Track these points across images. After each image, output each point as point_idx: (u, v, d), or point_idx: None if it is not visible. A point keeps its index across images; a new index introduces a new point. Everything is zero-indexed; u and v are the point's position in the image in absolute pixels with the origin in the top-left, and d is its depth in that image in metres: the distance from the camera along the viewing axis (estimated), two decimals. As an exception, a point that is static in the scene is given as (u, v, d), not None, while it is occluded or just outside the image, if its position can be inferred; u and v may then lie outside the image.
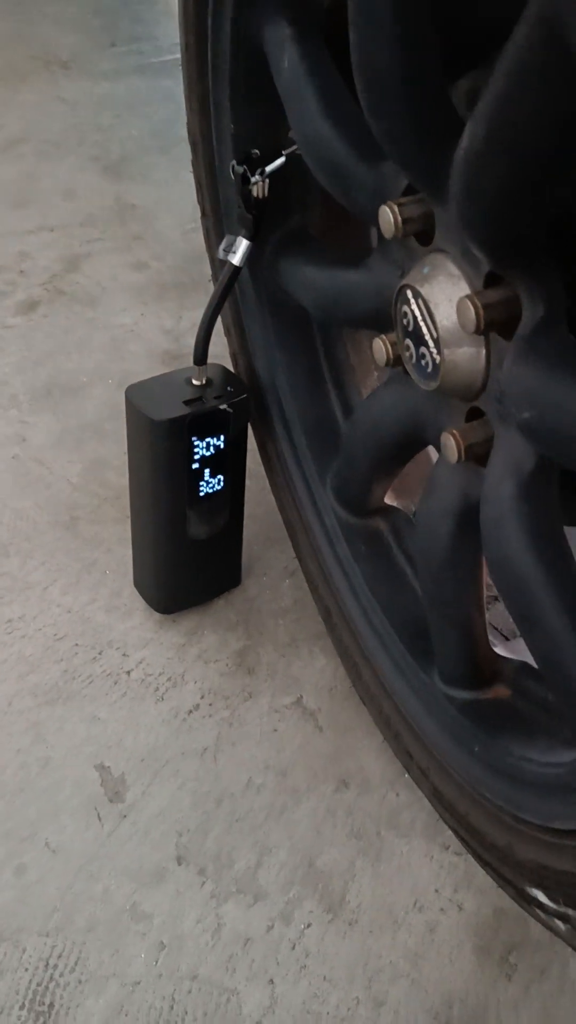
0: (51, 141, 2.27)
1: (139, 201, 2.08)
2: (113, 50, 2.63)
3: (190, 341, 1.70)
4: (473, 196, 0.68)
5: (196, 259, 1.89)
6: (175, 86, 2.48)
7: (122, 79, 2.52)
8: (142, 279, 1.87)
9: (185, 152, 1.18)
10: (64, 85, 2.49)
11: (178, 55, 1.11)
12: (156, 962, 0.98)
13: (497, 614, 0.97)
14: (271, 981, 0.97)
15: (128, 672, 1.22)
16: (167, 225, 2.01)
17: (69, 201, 2.08)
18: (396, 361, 0.89)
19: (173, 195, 2.10)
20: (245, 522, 1.25)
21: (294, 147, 0.99)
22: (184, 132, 1.15)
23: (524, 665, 0.92)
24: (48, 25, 2.76)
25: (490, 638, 0.94)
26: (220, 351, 1.20)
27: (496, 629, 0.98)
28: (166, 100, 2.43)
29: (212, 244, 1.20)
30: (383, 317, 0.90)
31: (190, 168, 1.18)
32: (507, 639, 1.00)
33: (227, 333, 1.24)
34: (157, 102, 2.45)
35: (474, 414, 0.82)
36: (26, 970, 0.98)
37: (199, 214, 1.20)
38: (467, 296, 0.73)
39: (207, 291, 1.78)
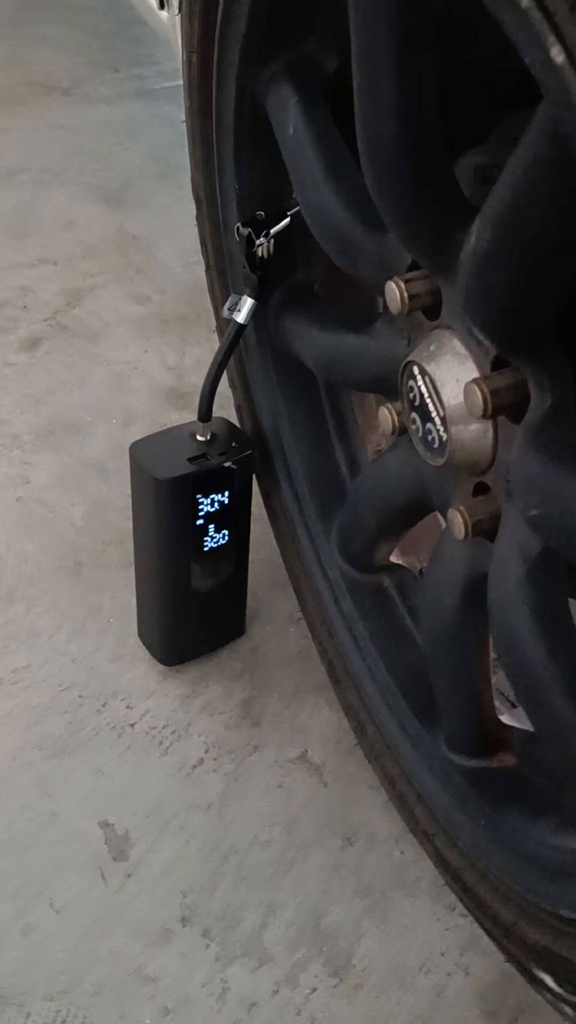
0: (51, 169, 2.27)
1: (140, 231, 2.08)
2: (114, 75, 2.63)
3: (193, 378, 1.72)
4: (480, 290, 0.68)
5: (198, 291, 1.88)
6: (176, 111, 2.48)
7: (123, 104, 2.52)
8: (144, 313, 1.87)
9: (186, 179, 1.18)
10: (64, 111, 2.48)
11: (178, 81, 1.11)
12: (162, 1028, 0.98)
13: (503, 680, 0.96)
14: (278, 1048, 0.97)
15: (132, 725, 1.22)
16: (169, 256, 2.01)
17: (70, 232, 2.08)
18: (402, 431, 0.89)
19: (174, 224, 2.10)
20: (250, 566, 1.25)
21: (298, 207, 0.99)
22: (185, 160, 1.15)
23: (531, 734, 0.92)
24: (47, 49, 2.75)
25: (496, 704, 0.94)
26: (225, 393, 1.19)
27: (503, 695, 0.98)
28: (167, 126, 2.42)
29: (216, 297, 1.20)
30: (387, 384, 0.90)
31: (191, 196, 1.17)
32: (514, 706, 1.00)
33: (232, 385, 1.24)
34: (157, 128, 2.44)
35: (481, 488, 0.82)
36: (32, 1036, 0.98)
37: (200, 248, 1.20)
38: (475, 380, 0.73)
39: (209, 325, 1.78)
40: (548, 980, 0.79)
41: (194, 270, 1.95)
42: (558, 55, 0.46)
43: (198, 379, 1.69)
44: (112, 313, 1.86)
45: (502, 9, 0.49)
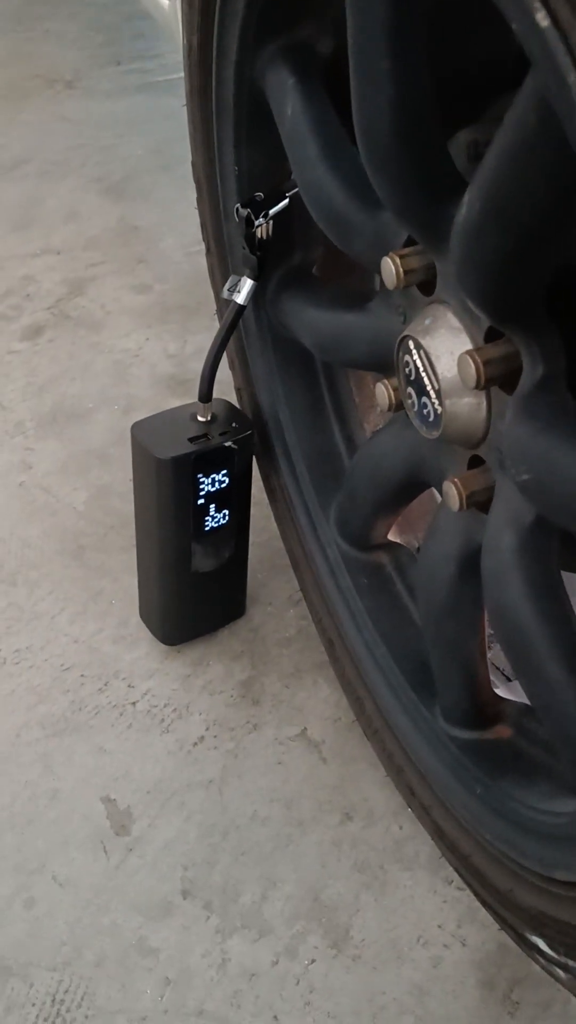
0: (54, 161, 2.29)
1: (142, 222, 2.10)
2: (116, 68, 2.65)
3: (194, 365, 1.73)
4: (472, 260, 0.69)
5: (199, 281, 1.89)
6: (177, 104, 2.49)
7: (125, 97, 2.53)
8: (146, 302, 1.88)
9: (187, 171, 1.19)
10: (67, 104, 2.50)
11: (181, 73, 1.12)
12: (162, 997, 0.99)
13: (499, 654, 0.98)
14: (276, 1017, 0.98)
15: (134, 703, 1.24)
16: (170, 246, 2.03)
17: (73, 222, 2.09)
18: (398, 406, 0.90)
19: (176, 215, 2.11)
20: (250, 548, 1.27)
21: (297, 188, 1.00)
22: (186, 152, 1.16)
23: (526, 707, 0.93)
24: (51, 43, 2.77)
25: (492, 678, 0.95)
26: (225, 378, 1.21)
27: (498, 669, 1.00)
28: (169, 118, 2.44)
29: (216, 281, 1.21)
30: (384, 361, 0.91)
31: (192, 187, 1.19)
32: (509, 680, 1.01)
33: (231, 367, 1.25)
34: (159, 120, 2.46)
35: (476, 461, 0.83)
36: (33, 1005, 0.99)
37: (201, 237, 1.21)
38: (468, 352, 0.74)
39: (210, 313, 1.79)
40: (541, 944, 0.80)
41: (195, 260, 1.97)
42: (543, 20, 0.48)
43: (199, 367, 1.70)
44: (114, 302, 1.88)
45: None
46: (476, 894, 0.95)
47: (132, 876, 1.09)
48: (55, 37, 2.81)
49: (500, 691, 0.96)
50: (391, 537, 1.11)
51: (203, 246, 1.23)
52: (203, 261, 1.26)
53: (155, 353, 1.76)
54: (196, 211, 1.21)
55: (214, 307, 1.28)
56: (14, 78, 2.60)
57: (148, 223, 2.09)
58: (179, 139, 2.34)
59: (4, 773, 1.17)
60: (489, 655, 0.95)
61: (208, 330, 1.80)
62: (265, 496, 1.27)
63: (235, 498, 1.17)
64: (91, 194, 2.18)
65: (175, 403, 1.63)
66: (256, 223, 1.04)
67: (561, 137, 0.53)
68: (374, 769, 1.17)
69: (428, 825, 1.03)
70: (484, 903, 0.94)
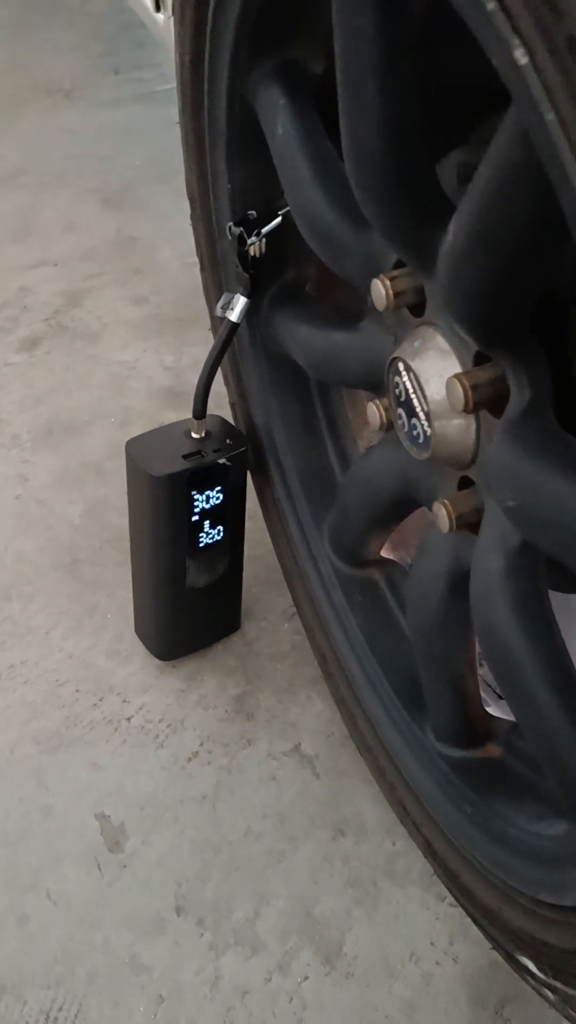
0: (52, 171, 2.29)
1: (139, 233, 2.10)
2: (115, 78, 2.65)
3: (190, 378, 1.73)
4: (458, 286, 0.70)
5: (196, 293, 1.89)
6: (174, 114, 2.50)
7: (123, 107, 2.54)
8: (143, 314, 1.88)
9: (184, 182, 1.19)
10: (65, 114, 2.51)
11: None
12: (155, 1015, 1.00)
13: (490, 672, 0.98)
14: (269, 1034, 0.98)
15: (128, 719, 1.24)
16: (167, 258, 2.03)
17: (70, 234, 2.10)
18: (389, 426, 0.90)
19: (173, 226, 2.11)
20: (245, 563, 1.27)
21: (288, 207, 1.01)
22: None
23: (516, 725, 0.93)
24: (48, 52, 2.78)
25: (483, 696, 0.95)
26: (219, 391, 1.21)
27: (489, 687, 1.00)
28: (167, 129, 2.44)
29: (210, 298, 1.21)
30: (376, 381, 0.91)
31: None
32: (500, 697, 1.01)
33: (226, 383, 1.25)
34: (157, 130, 2.46)
35: (465, 482, 0.84)
36: (27, 1023, 0.99)
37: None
38: (456, 375, 0.75)
39: (207, 326, 1.79)
40: (531, 965, 0.80)
41: (192, 272, 1.96)
42: (522, 57, 0.48)
43: (195, 380, 1.70)
44: (111, 314, 1.88)
45: (470, 12, 0.51)
46: (467, 912, 0.95)
47: (125, 892, 1.09)
48: (53, 46, 2.81)
49: (491, 709, 0.96)
50: (384, 553, 1.11)
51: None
52: (200, 274, 1.26)
53: (151, 365, 1.76)
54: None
55: (210, 320, 1.28)
56: (12, 87, 2.61)
57: (145, 234, 2.10)
58: (177, 150, 2.34)
59: (-2, 788, 1.17)
60: (480, 673, 0.95)
61: (204, 343, 1.79)
62: (259, 510, 1.27)
63: (229, 514, 1.17)
64: (89, 205, 2.19)
65: (171, 415, 1.65)
66: (249, 241, 1.05)
67: (543, 169, 0.53)
68: (367, 785, 1.17)
69: (419, 842, 1.03)
70: (475, 921, 0.94)
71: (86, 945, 1.05)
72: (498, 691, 1.01)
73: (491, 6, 0.48)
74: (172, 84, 2.63)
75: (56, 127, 2.46)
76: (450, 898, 1.06)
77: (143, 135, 2.44)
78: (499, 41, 0.49)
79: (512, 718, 0.94)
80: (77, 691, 1.27)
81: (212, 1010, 1.00)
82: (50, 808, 1.16)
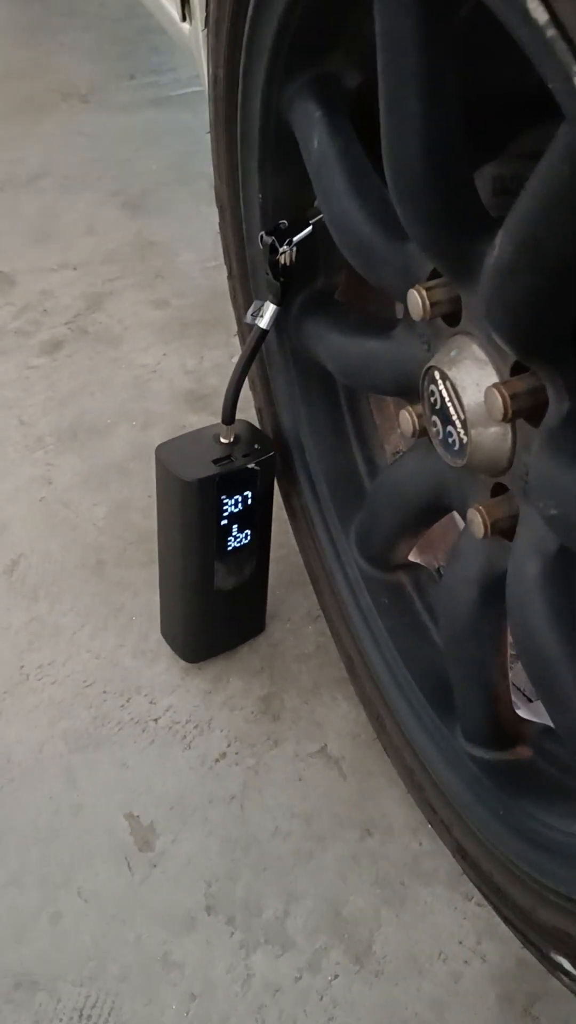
0: (71, 175, 2.31)
1: (159, 237, 2.11)
2: (131, 82, 2.67)
3: (212, 381, 1.75)
4: (502, 300, 0.71)
5: (217, 296, 1.92)
6: (193, 118, 2.52)
7: (140, 111, 2.55)
8: (164, 317, 1.90)
9: (204, 185, 1.21)
10: (83, 118, 2.52)
11: (196, 88, 1.14)
12: (188, 1012, 1.01)
13: (520, 675, 0.99)
14: (300, 1031, 1.00)
15: (156, 719, 1.26)
16: (187, 261, 2.05)
17: (90, 237, 2.11)
18: (422, 432, 0.92)
19: (193, 230, 2.13)
20: (270, 564, 1.28)
21: (320, 216, 1.02)
22: (202, 166, 1.18)
23: (547, 728, 0.95)
24: (66, 56, 2.80)
25: (513, 699, 0.97)
26: (243, 395, 1.22)
27: (519, 690, 1.01)
28: (185, 133, 2.45)
29: (239, 305, 1.23)
30: (408, 388, 0.93)
31: (209, 202, 1.20)
32: (530, 700, 1.03)
33: (252, 388, 1.27)
34: (175, 134, 2.47)
35: (499, 488, 0.85)
36: (61, 1020, 1.01)
37: (219, 250, 1.23)
38: (494, 385, 0.76)
39: (227, 329, 1.81)
40: (566, 964, 0.82)
41: (212, 275, 1.99)
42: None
43: (217, 382, 1.72)
44: (132, 317, 1.90)
45: (528, 38, 0.52)
46: (498, 912, 0.97)
47: (156, 891, 1.10)
48: (70, 50, 2.83)
49: (521, 712, 0.98)
50: (411, 558, 1.13)
51: (220, 261, 1.25)
52: (220, 276, 1.28)
53: (173, 368, 1.78)
54: (213, 226, 1.22)
55: (232, 323, 1.29)
56: (30, 91, 2.62)
57: (165, 238, 2.11)
58: (195, 153, 2.37)
59: (28, 787, 1.19)
60: (510, 675, 0.96)
61: (225, 345, 1.82)
62: (283, 512, 1.29)
63: (257, 518, 1.18)
64: (108, 208, 2.20)
65: (193, 418, 1.66)
66: (280, 250, 1.06)
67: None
68: (393, 785, 1.18)
69: (449, 843, 1.05)
70: (506, 921, 0.96)
71: (118, 942, 1.06)
72: (528, 694, 1.03)
73: (550, 33, 0.49)
74: (188, 89, 2.66)
75: (74, 131, 2.47)
76: (477, 897, 1.07)
77: (160, 139, 2.45)
78: (558, 65, 0.50)
79: (543, 720, 0.95)
80: (104, 691, 1.29)
81: (244, 1007, 1.02)
82: (80, 807, 1.17)
